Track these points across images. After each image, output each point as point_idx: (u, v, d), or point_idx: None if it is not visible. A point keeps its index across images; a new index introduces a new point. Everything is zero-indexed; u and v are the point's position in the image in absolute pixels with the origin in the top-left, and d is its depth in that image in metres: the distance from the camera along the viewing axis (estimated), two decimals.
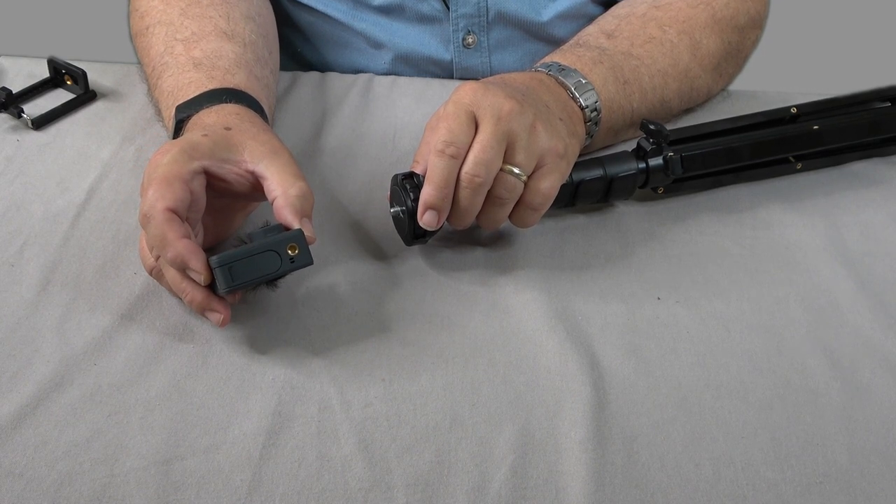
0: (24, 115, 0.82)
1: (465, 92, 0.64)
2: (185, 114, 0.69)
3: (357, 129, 0.83)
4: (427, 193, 0.63)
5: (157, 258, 0.61)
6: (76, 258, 0.68)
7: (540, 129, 0.64)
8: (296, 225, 0.60)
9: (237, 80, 0.72)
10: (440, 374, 0.61)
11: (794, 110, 0.77)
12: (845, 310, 0.67)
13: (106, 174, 0.77)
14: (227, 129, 0.64)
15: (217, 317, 0.60)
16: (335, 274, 0.68)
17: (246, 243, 0.60)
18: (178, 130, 0.69)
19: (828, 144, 0.78)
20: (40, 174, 0.77)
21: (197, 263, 0.58)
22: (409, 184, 0.65)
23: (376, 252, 0.70)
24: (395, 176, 0.67)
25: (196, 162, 0.61)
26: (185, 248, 0.58)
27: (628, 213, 0.75)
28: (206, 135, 0.63)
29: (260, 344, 0.62)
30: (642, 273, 0.69)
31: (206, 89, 0.70)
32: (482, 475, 0.54)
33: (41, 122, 0.82)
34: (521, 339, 0.63)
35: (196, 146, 0.62)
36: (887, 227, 0.75)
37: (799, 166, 0.79)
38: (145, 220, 0.60)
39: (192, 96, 0.70)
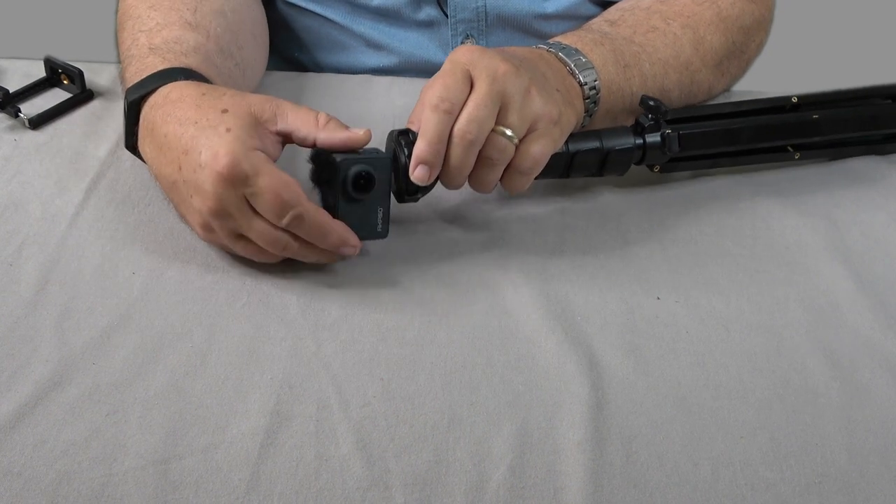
0: (22, 115, 0.82)
1: (462, 52, 0.65)
2: (136, 94, 0.68)
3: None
4: (419, 148, 0.63)
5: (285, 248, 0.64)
6: (74, 257, 0.68)
7: (535, 93, 0.64)
8: (345, 137, 0.64)
9: (189, 62, 0.71)
10: (438, 373, 0.61)
11: (794, 99, 0.77)
12: (845, 310, 0.67)
13: (104, 173, 0.77)
14: (225, 111, 0.63)
15: (354, 249, 0.65)
16: (333, 273, 0.68)
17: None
18: (131, 113, 0.68)
19: (826, 135, 0.78)
20: (38, 173, 0.77)
21: (355, 239, 0.65)
22: (403, 139, 0.65)
23: (374, 252, 0.70)
24: (392, 132, 0.67)
25: (261, 154, 0.62)
26: (343, 228, 0.64)
27: (628, 212, 0.75)
28: (229, 128, 0.61)
29: (258, 343, 0.62)
30: (642, 273, 0.69)
31: (157, 70, 0.69)
32: (480, 475, 0.54)
33: (38, 122, 0.82)
34: (519, 339, 0.63)
35: (245, 141, 0.61)
36: (887, 226, 0.75)
37: (797, 156, 0.79)
38: (297, 222, 0.61)
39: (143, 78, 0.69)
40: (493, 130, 0.63)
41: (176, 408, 0.57)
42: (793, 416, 0.59)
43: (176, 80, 0.67)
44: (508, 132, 0.64)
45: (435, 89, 0.63)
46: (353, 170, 0.63)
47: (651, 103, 0.72)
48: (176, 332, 0.63)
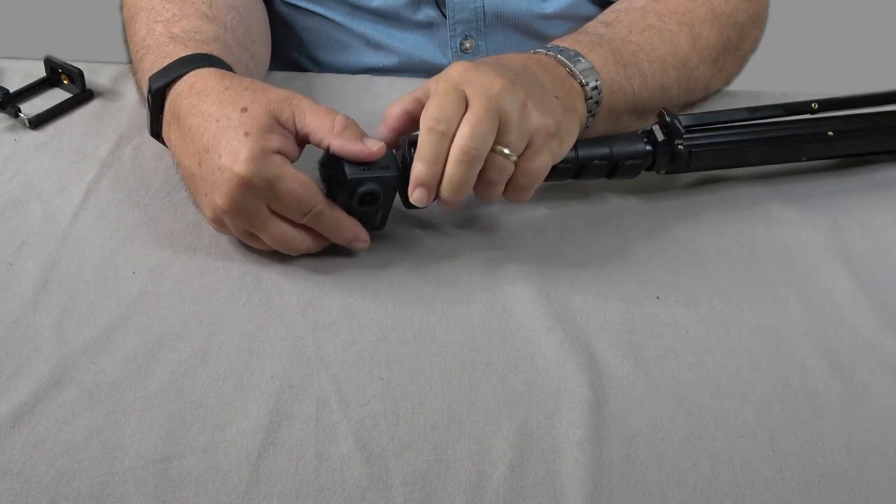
0: (22, 115, 0.82)
1: (456, 70, 0.64)
2: (160, 82, 0.68)
3: None
4: (418, 170, 0.63)
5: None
6: (74, 257, 0.68)
7: (531, 107, 0.64)
8: (358, 151, 0.64)
9: (211, 50, 0.71)
10: (438, 372, 0.61)
11: (814, 105, 0.77)
12: (845, 310, 0.67)
13: (104, 173, 0.77)
14: (244, 109, 0.63)
15: (365, 244, 0.68)
16: (333, 274, 0.68)
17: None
18: (156, 101, 0.69)
19: (839, 152, 0.79)
20: (38, 173, 0.77)
21: (366, 234, 0.68)
22: (414, 149, 0.65)
23: (374, 252, 0.70)
24: (403, 138, 0.67)
25: (278, 157, 0.63)
26: (356, 224, 0.67)
27: (628, 212, 0.75)
28: (247, 132, 0.62)
29: (258, 343, 0.62)
30: (642, 272, 0.69)
31: (180, 57, 0.69)
32: (480, 474, 0.54)
33: (38, 122, 0.82)
34: (519, 339, 0.63)
35: (263, 146, 0.62)
36: (887, 226, 0.75)
37: (804, 159, 0.79)
38: (316, 219, 0.64)
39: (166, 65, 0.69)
40: (491, 150, 0.63)
41: (176, 407, 0.57)
42: (792, 415, 0.59)
43: (200, 66, 0.68)
44: (507, 151, 0.63)
45: (431, 110, 0.63)
46: (362, 189, 0.64)
47: (668, 119, 0.72)
48: (176, 331, 0.63)
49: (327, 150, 0.65)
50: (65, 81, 0.87)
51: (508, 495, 0.53)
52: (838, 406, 0.60)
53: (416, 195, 0.64)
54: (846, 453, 0.57)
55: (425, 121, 0.63)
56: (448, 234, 0.72)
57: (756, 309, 0.67)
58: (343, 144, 0.64)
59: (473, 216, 0.74)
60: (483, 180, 0.64)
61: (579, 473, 0.54)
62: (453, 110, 0.62)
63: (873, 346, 0.64)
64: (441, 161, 0.63)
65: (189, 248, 0.69)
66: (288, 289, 0.66)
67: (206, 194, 0.64)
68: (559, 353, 0.62)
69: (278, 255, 0.68)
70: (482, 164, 0.63)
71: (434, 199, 0.65)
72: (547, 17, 0.92)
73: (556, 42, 0.76)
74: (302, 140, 0.66)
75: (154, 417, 0.57)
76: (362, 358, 0.61)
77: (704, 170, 0.77)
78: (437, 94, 0.63)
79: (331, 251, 0.69)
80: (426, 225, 0.73)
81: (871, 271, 0.71)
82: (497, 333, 0.64)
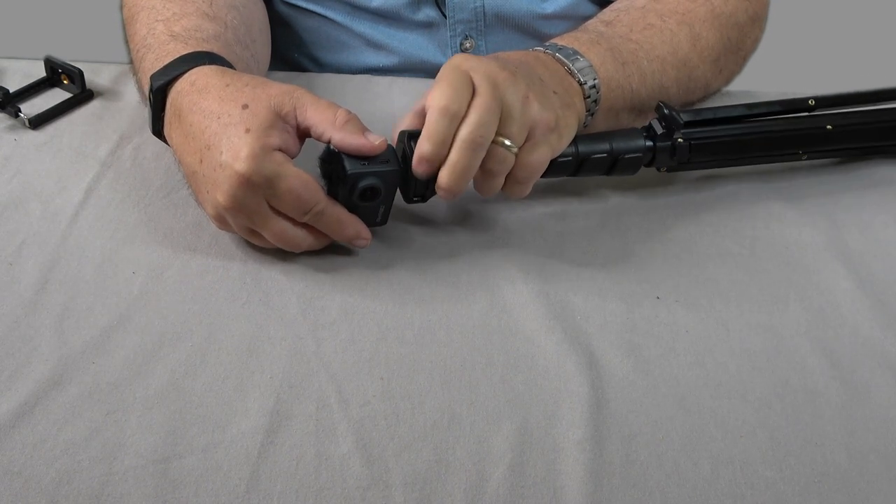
0: (22, 115, 0.82)
1: (461, 59, 0.64)
2: (162, 80, 0.68)
3: None
4: (424, 148, 0.63)
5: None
6: (74, 257, 0.68)
7: (532, 99, 0.64)
8: (360, 145, 0.64)
9: (212, 48, 0.71)
10: (438, 372, 0.61)
11: (811, 102, 0.77)
12: (845, 310, 0.67)
13: (104, 173, 0.77)
14: (245, 106, 0.63)
15: (366, 241, 0.68)
16: (333, 273, 0.68)
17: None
18: (157, 99, 0.69)
19: (838, 145, 0.79)
20: (38, 173, 0.77)
21: (367, 232, 0.68)
22: (414, 143, 0.65)
23: (374, 251, 0.70)
24: (402, 132, 0.67)
25: (279, 155, 0.63)
26: (358, 222, 0.67)
27: (628, 212, 0.75)
28: (248, 129, 0.62)
29: (258, 343, 0.62)
30: (642, 272, 0.69)
31: (180, 55, 0.69)
32: (480, 474, 0.54)
33: (38, 122, 0.82)
34: (519, 338, 0.63)
35: (263, 143, 0.62)
36: (887, 227, 0.75)
37: (804, 157, 0.79)
38: (318, 217, 0.64)
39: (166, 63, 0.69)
40: (493, 141, 0.63)
41: (176, 407, 0.57)
42: (792, 415, 0.59)
43: (201, 64, 0.68)
44: (508, 142, 0.63)
45: (441, 92, 0.62)
46: (362, 184, 0.64)
47: (666, 111, 0.72)
48: (176, 331, 0.63)
49: (327, 145, 0.65)
50: (65, 81, 0.87)
51: (508, 495, 0.53)
52: (838, 406, 0.60)
53: (421, 168, 0.63)
54: (846, 453, 0.57)
55: (436, 101, 0.62)
56: (448, 233, 0.72)
57: (756, 309, 0.67)
58: (345, 137, 0.63)
59: (473, 215, 0.74)
60: (483, 171, 0.64)
61: (579, 473, 0.54)
62: (463, 93, 0.62)
63: (873, 346, 0.64)
64: (447, 143, 0.63)
65: (189, 248, 0.69)
66: (288, 288, 0.66)
67: (207, 192, 0.64)
68: (559, 353, 0.62)
69: (278, 255, 0.68)
70: (485, 152, 0.63)
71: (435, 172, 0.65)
72: (547, 17, 0.92)
73: (554, 40, 0.76)
74: (303, 134, 0.66)
75: (154, 417, 0.57)
76: (362, 358, 0.61)
77: (705, 166, 0.77)
78: (445, 78, 0.63)
79: (331, 250, 0.69)
80: (426, 224, 0.73)
81: (870, 271, 0.71)
82: (497, 333, 0.64)
